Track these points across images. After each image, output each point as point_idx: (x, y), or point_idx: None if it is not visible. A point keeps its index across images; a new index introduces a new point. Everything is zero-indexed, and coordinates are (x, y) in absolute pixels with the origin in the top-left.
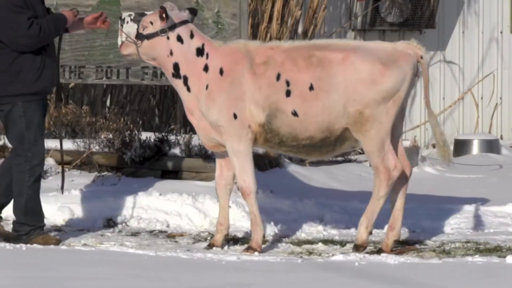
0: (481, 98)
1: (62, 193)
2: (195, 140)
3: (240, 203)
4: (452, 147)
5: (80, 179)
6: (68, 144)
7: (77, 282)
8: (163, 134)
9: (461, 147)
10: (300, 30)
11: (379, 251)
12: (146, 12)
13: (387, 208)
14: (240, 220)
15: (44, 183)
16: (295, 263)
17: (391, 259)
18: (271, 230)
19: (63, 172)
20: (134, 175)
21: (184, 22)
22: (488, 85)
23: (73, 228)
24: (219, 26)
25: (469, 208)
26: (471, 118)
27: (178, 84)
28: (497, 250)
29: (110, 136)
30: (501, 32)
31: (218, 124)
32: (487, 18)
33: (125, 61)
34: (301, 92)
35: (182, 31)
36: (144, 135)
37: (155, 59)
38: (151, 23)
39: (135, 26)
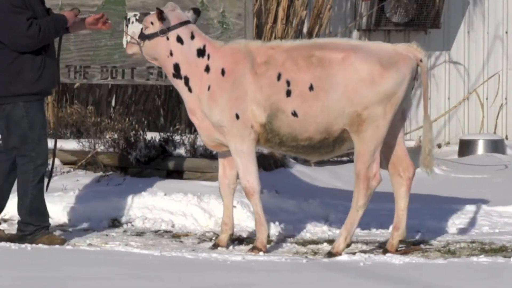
0: (486, 98)
1: (46, 190)
2: (200, 140)
3: (245, 203)
4: (457, 148)
5: (85, 179)
6: (73, 144)
7: (82, 282)
8: (168, 134)
9: (466, 147)
10: (305, 30)
11: (385, 251)
12: (150, 12)
13: (392, 208)
14: (245, 220)
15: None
16: (300, 263)
17: (396, 259)
18: (276, 230)
19: (53, 162)
20: (139, 175)
21: (184, 23)
22: (493, 85)
23: (78, 228)
24: (224, 26)
25: (474, 208)
26: (476, 118)
27: (179, 85)
28: (502, 250)
29: (115, 136)
30: (506, 32)
31: (220, 124)
32: (492, 18)
33: (130, 61)
34: (301, 92)
35: (182, 32)
36: (149, 135)
37: (156, 59)
38: (152, 23)
39: (140, 26)
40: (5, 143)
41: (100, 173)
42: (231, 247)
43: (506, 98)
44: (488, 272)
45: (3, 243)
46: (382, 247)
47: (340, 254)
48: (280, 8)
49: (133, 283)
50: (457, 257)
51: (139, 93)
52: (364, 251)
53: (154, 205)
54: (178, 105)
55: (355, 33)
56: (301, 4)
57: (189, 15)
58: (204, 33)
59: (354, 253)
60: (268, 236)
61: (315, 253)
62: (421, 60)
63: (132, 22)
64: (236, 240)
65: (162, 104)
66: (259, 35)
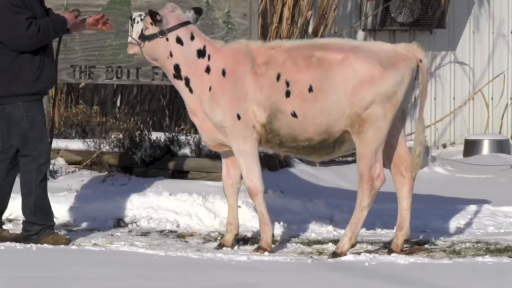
0: (491, 98)
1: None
2: None
3: (250, 203)
4: (462, 148)
5: (90, 179)
6: (78, 144)
7: (87, 282)
8: (173, 134)
9: (472, 147)
10: (310, 30)
11: (390, 251)
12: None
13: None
14: (250, 220)
15: (54, 183)
16: (305, 263)
17: (401, 259)
18: (281, 230)
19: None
20: (144, 175)
21: (184, 24)
22: (499, 85)
23: (83, 228)
24: (229, 26)
25: (479, 208)
26: (482, 118)
27: (179, 85)
28: (507, 251)
29: (120, 136)
30: (511, 32)
31: (222, 125)
32: (498, 18)
33: (135, 61)
34: (301, 93)
35: (182, 32)
36: (154, 135)
37: (156, 59)
38: (151, 24)
39: None
40: (4, 143)
41: (105, 173)
42: (236, 247)
43: (511, 98)
44: (493, 272)
45: (8, 243)
46: (387, 247)
47: (345, 254)
48: (285, 8)
49: (138, 283)
50: (462, 257)
51: (144, 93)
52: (369, 251)
53: (159, 205)
54: (183, 105)
55: (360, 33)
56: (306, 4)
57: (190, 15)
58: (209, 33)
59: (359, 253)
60: (273, 235)
61: (320, 253)
62: (421, 60)
63: (137, 22)
64: (241, 240)
65: (167, 104)
66: (264, 35)
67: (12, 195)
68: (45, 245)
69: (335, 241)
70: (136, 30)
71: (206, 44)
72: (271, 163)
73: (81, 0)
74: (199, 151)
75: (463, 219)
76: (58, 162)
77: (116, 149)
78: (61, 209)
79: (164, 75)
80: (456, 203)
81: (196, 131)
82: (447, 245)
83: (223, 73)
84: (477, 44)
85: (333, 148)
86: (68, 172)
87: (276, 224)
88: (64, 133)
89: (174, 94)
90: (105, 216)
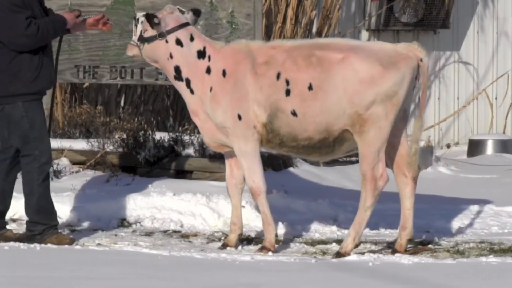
0: (496, 98)
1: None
2: None
3: (254, 203)
4: (466, 148)
5: (94, 179)
6: (82, 144)
7: (91, 282)
8: (177, 134)
9: (476, 147)
10: (314, 30)
11: (393, 251)
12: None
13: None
14: (254, 220)
15: (58, 183)
16: (309, 263)
17: (405, 259)
18: (285, 230)
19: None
20: (148, 175)
21: (183, 25)
22: (503, 85)
23: (87, 228)
24: (233, 26)
25: (483, 209)
26: (486, 118)
27: (181, 87)
28: (511, 251)
29: (124, 136)
30: None
31: (224, 125)
32: (502, 18)
33: (139, 61)
34: (300, 92)
35: (181, 34)
36: (158, 135)
37: (156, 61)
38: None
39: None
40: (4, 143)
41: (109, 173)
42: (240, 247)
43: None
44: (497, 272)
45: (12, 243)
46: (391, 247)
47: (349, 254)
48: (289, 8)
49: (141, 283)
50: (466, 257)
51: (148, 93)
52: (373, 251)
53: (163, 205)
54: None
55: (364, 33)
56: (310, 4)
57: (188, 16)
58: (213, 33)
59: (363, 253)
60: (276, 235)
61: (324, 253)
62: (421, 60)
63: (141, 22)
64: (245, 240)
65: (171, 104)
66: (268, 35)
67: (16, 195)
68: (48, 245)
69: (339, 241)
70: (139, 30)
71: (206, 45)
72: (275, 163)
73: (85, 0)
74: (203, 151)
75: (467, 219)
76: (62, 162)
77: (120, 149)
78: (65, 209)
79: None
80: (460, 203)
81: (199, 131)
82: (451, 245)
83: (224, 73)
84: (481, 44)
85: (333, 147)
86: (72, 172)
87: (280, 224)
88: (68, 133)
89: (178, 94)
90: (109, 216)
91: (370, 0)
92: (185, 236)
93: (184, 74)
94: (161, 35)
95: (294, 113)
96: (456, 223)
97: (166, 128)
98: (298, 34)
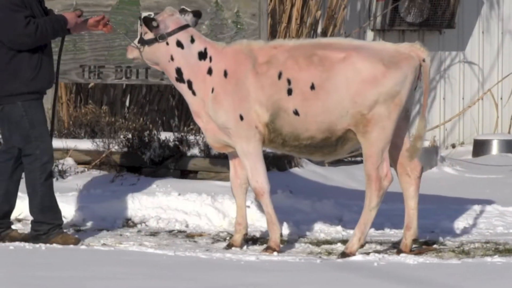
0: (501, 98)
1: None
2: None
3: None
4: (471, 148)
5: (99, 179)
6: (87, 144)
7: (95, 282)
8: (182, 134)
9: (481, 147)
10: (319, 30)
11: (399, 252)
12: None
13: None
14: (259, 220)
15: (63, 183)
16: (314, 263)
17: (410, 259)
18: (290, 230)
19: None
20: (153, 175)
21: (183, 27)
22: (508, 85)
23: (92, 228)
24: (239, 26)
25: (488, 209)
26: (491, 118)
27: (183, 88)
28: None
29: (129, 136)
30: None
31: (226, 126)
32: (507, 19)
33: None
34: (302, 91)
35: (182, 36)
36: (163, 135)
37: (157, 64)
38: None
39: None
40: (6, 143)
41: (114, 173)
42: (245, 247)
43: None
44: (502, 272)
45: (17, 243)
46: (396, 247)
47: (354, 255)
48: (294, 8)
49: (147, 283)
50: (471, 257)
51: (153, 93)
52: (378, 251)
53: (168, 205)
54: None
55: (369, 33)
56: (315, 4)
57: (188, 18)
58: (219, 33)
59: (368, 253)
60: (281, 235)
61: (329, 253)
62: (424, 60)
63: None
64: (250, 240)
65: (176, 104)
66: (273, 35)
67: (21, 195)
68: (54, 245)
69: (344, 241)
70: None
71: (207, 46)
72: (280, 163)
73: (90, 0)
74: (208, 151)
75: (472, 219)
76: (67, 162)
77: (125, 149)
78: (70, 209)
79: None
80: (465, 203)
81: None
82: (456, 245)
83: (225, 74)
84: (486, 44)
85: (335, 146)
86: (77, 172)
87: (285, 224)
88: (73, 133)
89: None
90: (114, 216)
91: (376, 0)
92: (190, 236)
93: (186, 76)
94: (161, 38)
95: (296, 113)
96: (461, 223)
97: (171, 128)
98: (303, 34)
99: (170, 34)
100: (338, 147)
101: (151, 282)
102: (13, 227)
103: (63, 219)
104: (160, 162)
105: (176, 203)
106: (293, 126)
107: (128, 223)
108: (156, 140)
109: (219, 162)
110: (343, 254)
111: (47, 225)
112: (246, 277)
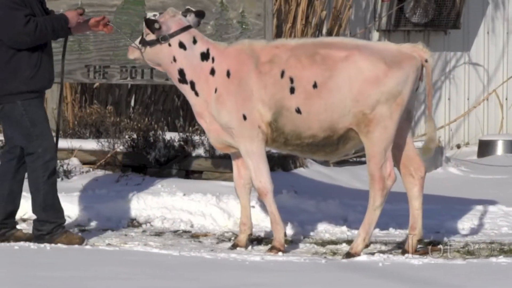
0: (506, 98)
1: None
2: None
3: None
4: (476, 148)
5: (104, 179)
6: (92, 144)
7: (100, 282)
8: (187, 134)
9: (486, 147)
10: (324, 30)
11: (403, 252)
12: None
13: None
14: (264, 220)
15: (68, 183)
16: (319, 264)
17: (415, 260)
18: (295, 230)
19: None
20: (158, 175)
21: (185, 28)
22: None
23: (97, 228)
24: (244, 26)
25: (493, 209)
26: (496, 118)
27: (185, 89)
28: None
29: (134, 136)
30: None
31: (229, 126)
32: None
33: None
34: (305, 89)
35: (184, 37)
36: (168, 135)
37: (159, 65)
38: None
39: None
40: (9, 142)
41: (119, 173)
42: (250, 247)
43: None
44: (507, 272)
45: (22, 243)
46: (401, 248)
47: (359, 255)
48: (299, 8)
49: (151, 283)
50: (476, 257)
51: (158, 93)
52: (383, 252)
53: (173, 205)
54: None
55: (374, 34)
56: (320, 4)
57: (190, 18)
58: (224, 33)
59: (373, 254)
60: (285, 235)
61: (334, 253)
62: (426, 60)
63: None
64: (255, 240)
65: (182, 104)
66: (278, 35)
67: (26, 195)
68: (59, 244)
69: (349, 242)
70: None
71: (209, 47)
72: (285, 164)
73: (95, 0)
74: (213, 151)
75: (477, 220)
76: (72, 162)
77: (130, 149)
78: (75, 209)
79: None
80: (470, 203)
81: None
82: (461, 246)
83: (228, 74)
84: (491, 45)
85: (337, 145)
86: (82, 172)
87: (290, 224)
88: (78, 133)
89: None
90: (119, 216)
91: (381, 1)
92: (195, 236)
93: (189, 77)
94: (164, 39)
95: (298, 111)
96: (466, 224)
97: (176, 128)
98: (308, 34)
99: (173, 35)
100: (340, 145)
101: (153, 282)
102: (18, 227)
103: (68, 219)
104: (165, 162)
105: (181, 203)
106: (295, 125)
107: (133, 223)
108: (161, 140)
109: (224, 162)
110: (348, 255)
111: (50, 224)
112: (249, 277)
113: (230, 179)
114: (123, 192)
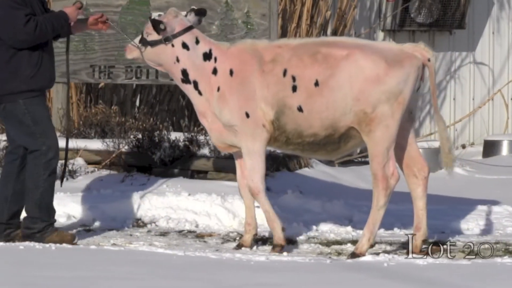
0: (511, 98)
1: (61, 186)
2: None
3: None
4: (481, 148)
5: (109, 178)
6: (97, 144)
7: (105, 282)
8: (193, 134)
9: (491, 148)
10: (329, 30)
11: (408, 252)
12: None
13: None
14: None
15: (73, 183)
16: (324, 264)
17: (420, 260)
18: (300, 230)
19: (66, 161)
20: (163, 175)
21: (188, 29)
22: None
23: (102, 228)
24: (249, 26)
25: (498, 209)
26: (501, 118)
27: (188, 89)
28: None
29: (139, 136)
30: None
31: (231, 124)
32: None
33: None
34: (307, 88)
35: (187, 38)
36: (174, 135)
37: (161, 65)
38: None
39: None
40: (12, 143)
41: (124, 173)
42: (255, 247)
43: None
44: None
45: (27, 242)
46: (406, 248)
47: (364, 255)
48: (304, 8)
49: (156, 283)
50: (481, 257)
51: (163, 93)
52: (388, 252)
53: (178, 205)
54: None
55: (379, 34)
56: (325, 4)
57: (190, 18)
58: (229, 33)
59: (377, 254)
60: (283, 229)
61: (339, 253)
62: (429, 60)
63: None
64: (260, 240)
65: (187, 104)
66: (283, 35)
67: None
68: (64, 245)
69: (354, 242)
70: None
71: (212, 47)
72: (290, 164)
73: (101, 0)
74: (218, 151)
75: (482, 220)
76: (77, 162)
77: (135, 149)
78: (80, 208)
79: None
80: (475, 203)
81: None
82: (465, 246)
83: (231, 73)
84: (496, 45)
85: (338, 144)
86: (87, 172)
87: (295, 224)
88: (83, 133)
89: None
90: (124, 216)
91: (386, 1)
92: (200, 236)
93: (192, 77)
94: (167, 40)
95: (300, 109)
96: (471, 224)
97: (181, 128)
98: (313, 34)
99: (176, 36)
100: (341, 144)
101: (161, 282)
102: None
103: (73, 219)
104: (170, 162)
105: (186, 203)
106: (297, 123)
107: (138, 223)
108: (166, 140)
109: (228, 162)
110: (353, 255)
111: (42, 223)
112: (253, 277)
113: (235, 179)
114: (128, 192)
